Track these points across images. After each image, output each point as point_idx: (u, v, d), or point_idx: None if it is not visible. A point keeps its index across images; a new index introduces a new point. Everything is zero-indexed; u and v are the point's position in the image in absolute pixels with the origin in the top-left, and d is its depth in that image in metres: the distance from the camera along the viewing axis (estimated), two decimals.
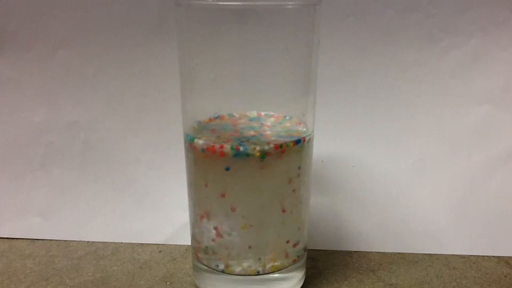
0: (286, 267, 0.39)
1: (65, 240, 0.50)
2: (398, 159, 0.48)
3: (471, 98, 0.47)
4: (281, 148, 0.34)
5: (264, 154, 0.34)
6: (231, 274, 0.38)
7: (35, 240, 0.50)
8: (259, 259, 0.37)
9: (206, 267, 0.39)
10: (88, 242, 0.50)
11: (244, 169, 0.34)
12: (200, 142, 0.35)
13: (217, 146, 0.34)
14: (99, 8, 0.46)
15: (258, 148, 0.34)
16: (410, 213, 0.48)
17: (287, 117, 0.39)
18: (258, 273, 0.38)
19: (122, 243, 0.49)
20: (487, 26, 0.45)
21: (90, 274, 0.44)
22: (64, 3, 0.46)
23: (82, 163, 0.50)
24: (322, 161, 0.48)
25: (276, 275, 0.39)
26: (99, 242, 0.50)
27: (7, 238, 0.50)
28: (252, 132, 0.36)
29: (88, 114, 0.49)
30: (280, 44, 0.35)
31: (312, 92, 0.37)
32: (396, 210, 0.49)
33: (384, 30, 0.46)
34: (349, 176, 0.49)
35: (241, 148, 0.34)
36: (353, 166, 0.48)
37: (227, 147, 0.34)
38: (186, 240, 0.48)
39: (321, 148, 0.47)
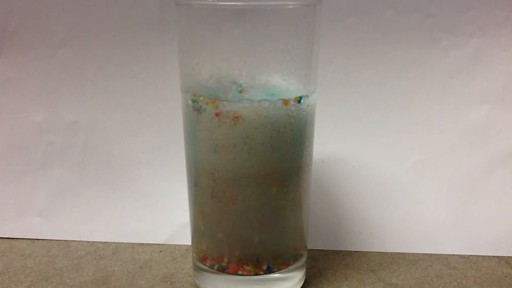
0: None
1: (65, 240, 0.50)
2: (398, 159, 0.48)
3: (471, 98, 0.47)
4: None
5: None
6: (231, 274, 0.38)
7: (35, 240, 0.50)
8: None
9: (206, 267, 0.39)
10: (88, 242, 0.50)
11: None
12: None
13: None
14: (99, 8, 0.46)
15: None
16: (410, 213, 0.48)
17: None
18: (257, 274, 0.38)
19: (122, 243, 0.49)
20: (487, 26, 0.45)
21: (91, 274, 0.44)
22: (64, 3, 0.46)
23: (82, 163, 0.50)
24: (322, 161, 0.48)
25: (276, 275, 0.39)
26: (99, 242, 0.50)
27: (7, 238, 0.50)
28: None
29: (88, 114, 0.49)
30: (280, 44, 0.35)
31: (312, 92, 0.37)
32: (396, 210, 0.49)
33: (384, 30, 0.46)
34: (349, 176, 0.49)
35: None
36: (353, 166, 0.48)
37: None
38: (186, 240, 0.48)
39: (321, 148, 0.47)
